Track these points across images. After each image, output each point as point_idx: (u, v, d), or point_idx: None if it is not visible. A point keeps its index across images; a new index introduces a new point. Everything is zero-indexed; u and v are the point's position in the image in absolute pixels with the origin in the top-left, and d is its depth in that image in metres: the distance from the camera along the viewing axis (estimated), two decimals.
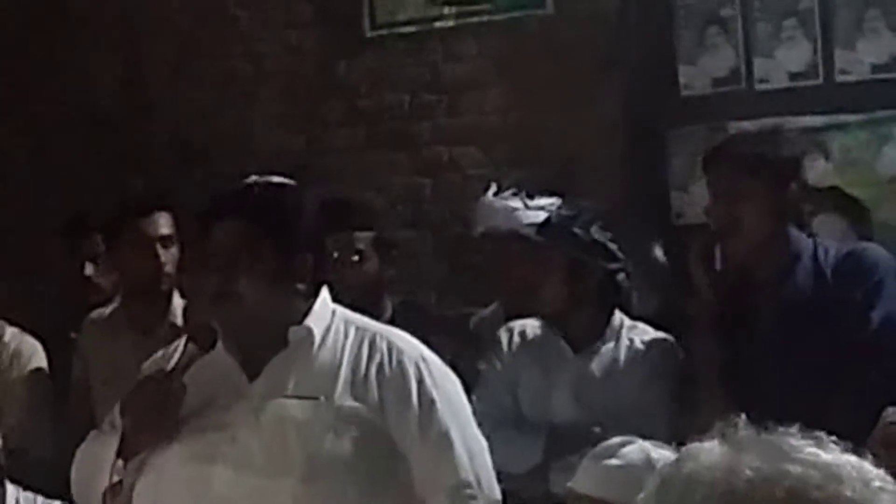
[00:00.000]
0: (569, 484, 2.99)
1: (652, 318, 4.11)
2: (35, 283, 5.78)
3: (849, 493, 1.33)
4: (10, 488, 3.49)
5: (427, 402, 3.09)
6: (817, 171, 4.81)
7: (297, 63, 6.22)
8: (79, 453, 3.25)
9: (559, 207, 4.13)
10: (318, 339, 3.13)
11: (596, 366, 4.00)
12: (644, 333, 4.04)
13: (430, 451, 3.08)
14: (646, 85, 5.44)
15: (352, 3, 6.05)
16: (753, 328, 3.70)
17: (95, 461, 3.12)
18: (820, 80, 5.23)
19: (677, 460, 1.41)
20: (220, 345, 3.15)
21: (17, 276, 5.87)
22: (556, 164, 5.42)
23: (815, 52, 5.23)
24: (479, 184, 4.79)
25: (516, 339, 4.10)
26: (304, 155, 5.99)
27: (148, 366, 3.29)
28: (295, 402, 3.09)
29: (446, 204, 5.86)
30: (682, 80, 5.44)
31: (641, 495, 1.44)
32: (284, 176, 3.29)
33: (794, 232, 3.71)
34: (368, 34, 6.05)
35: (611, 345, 4.03)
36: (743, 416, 1.41)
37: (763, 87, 5.32)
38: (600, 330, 4.04)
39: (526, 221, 4.18)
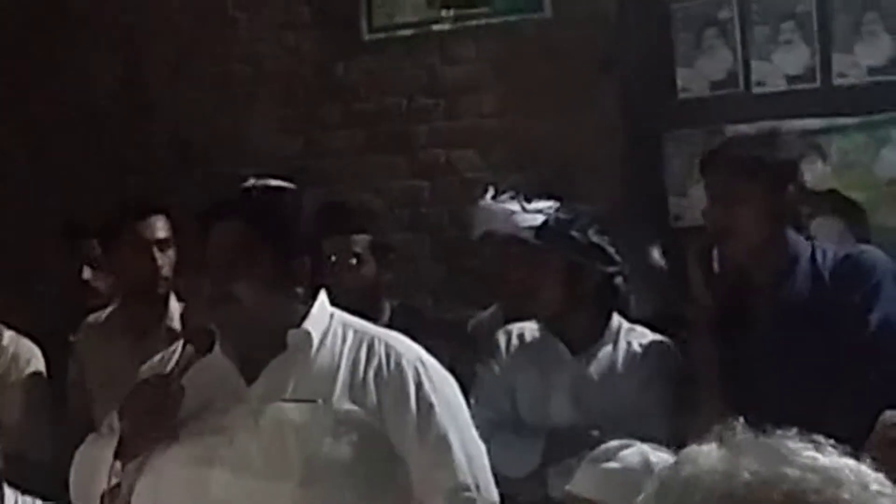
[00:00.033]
0: (567, 487, 2.99)
1: (650, 320, 4.11)
2: (33, 286, 5.78)
3: (847, 497, 1.33)
4: (9, 492, 3.48)
5: (425, 406, 3.09)
6: (815, 173, 4.81)
7: (296, 66, 6.23)
8: (77, 456, 3.25)
9: (557, 210, 4.13)
10: (316, 342, 3.13)
11: (594, 369, 4.00)
12: (642, 336, 4.04)
13: (428, 455, 3.08)
14: (643, 88, 5.44)
15: (350, 6, 6.05)
16: (751, 331, 3.70)
17: (94, 464, 3.12)
18: (817, 84, 5.24)
19: (676, 464, 1.41)
20: (217, 348, 3.15)
21: (15, 280, 5.87)
22: (554, 167, 5.43)
23: (812, 55, 5.23)
24: (477, 187, 4.79)
25: (514, 341, 4.10)
26: (302, 157, 6.00)
27: (146, 369, 3.29)
28: (293, 405, 3.09)
29: (444, 207, 5.87)
30: (679, 83, 5.45)
31: (640, 498, 1.44)
32: (282, 179, 3.29)
33: (791, 234, 3.71)
34: (366, 37, 6.05)
35: (609, 348, 4.03)
36: (741, 419, 1.42)
37: (761, 90, 5.33)
38: (598, 333, 4.04)
39: (524, 224, 4.18)
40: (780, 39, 5.28)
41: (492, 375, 4.04)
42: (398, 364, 3.11)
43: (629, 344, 4.02)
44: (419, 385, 3.10)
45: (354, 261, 4.30)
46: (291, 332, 3.13)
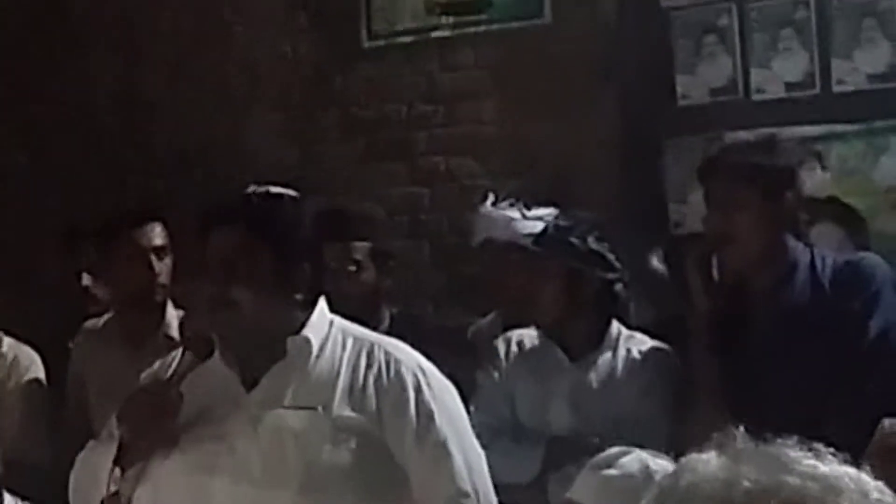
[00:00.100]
0: (567, 494, 3.00)
1: (649, 327, 4.11)
2: (33, 292, 5.79)
3: None
4: (8, 498, 3.48)
5: (425, 413, 3.08)
6: (814, 180, 4.81)
7: (295, 72, 6.23)
8: (77, 463, 3.24)
9: (556, 217, 4.13)
10: (315, 349, 3.13)
11: (593, 376, 4.00)
12: (641, 343, 4.04)
13: (427, 462, 3.07)
14: (643, 95, 5.45)
15: (349, 14, 6.06)
16: (750, 337, 3.70)
17: (93, 471, 3.11)
18: (817, 90, 5.24)
19: (675, 472, 1.41)
20: (217, 354, 3.15)
21: (15, 283, 5.88)
22: (553, 174, 5.43)
23: (811, 62, 5.24)
24: (477, 194, 4.79)
25: (514, 348, 4.10)
26: (301, 164, 6.00)
27: (146, 376, 3.29)
28: (292, 412, 3.08)
29: (443, 214, 5.87)
30: (679, 89, 5.45)
31: None
32: (282, 185, 3.29)
33: (791, 241, 3.71)
34: (366, 44, 6.06)
35: (608, 354, 4.02)
36: (741, 427, 1.42)
37: (760, 97, 5.33)
38: (598, 340, 4.04)
39: (523, 231, 4.19)
40: (779, 46, 5.29)
41: (491, 382, 4.04)
42: (398, 371, 3.11)
43: (629, 351, 4.02)
44: (419, 392, 3.09)
45: (354, 268, 4.29)
46: (291, 339, 3.12)
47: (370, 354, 3.13)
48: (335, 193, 5.41)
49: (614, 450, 3.01)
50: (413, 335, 3.44)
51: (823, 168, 5.09)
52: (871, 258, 3.78)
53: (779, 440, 1.40)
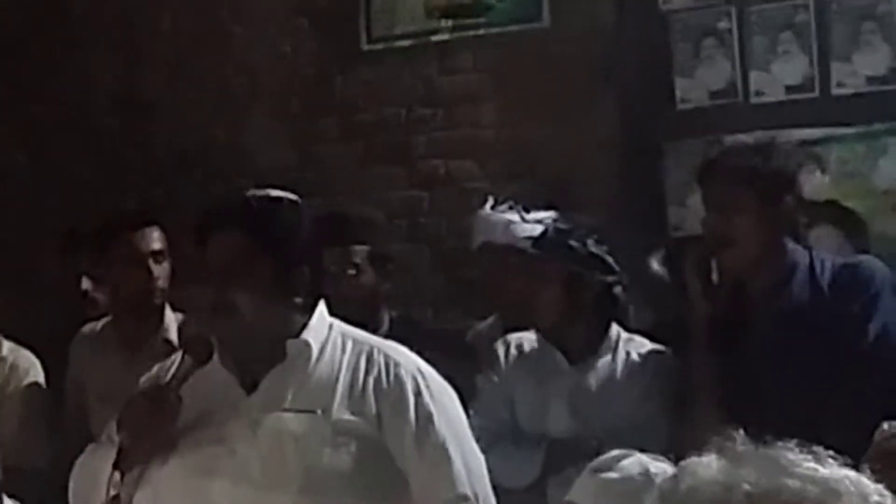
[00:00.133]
0: (566, 497, 2.99)
1: (649, 330, 4.11)
2: (33, 296, 5.78)
3: None
4: (8, 502, 3.48)
5: (424, 416, 3.08)
6: (814, 183, 4.81)
7: (294, 76, 6.23)
8: (76, 467, 3.24)
9: (555, 220, 4.13)
10: (315, 352, 3.13)
11: (593, 379, 4.00)
12: (641, 346, 4.04)
13: (427, 465, 3.07)
14: (642, 98, 5.45)
15: (348, 17, 6.06)
16: (750, 340, 3.70)
17: (93, 475, 3.11)
18: (816, 93, 5.24)
19: (676, 475, 1.41)
20: (216, 358, 3.15)
21: (15, 284, 5.88)
22: (553, 177, 5.43)
23: (811, 64, 5.24)
24: (476, 197, 4.78)
25: (513, 352, 4.10)
26: (300, 168, 6.00)
27: (145, 380, 3.29)
28: (292, 415, 3.08)
29: (443, 217, 5.87)
30: (678, 93, 5.45)
31: None
32: (281, 189, 3.29)
33: (790, 244, 3.71)
34: (365, 48, 6.06)
35: (607, 358, 4.02)
36: (741, 430, 1.42)
37: (759, 99, 5.33)
38: (597, 343, 4.03)
39: (523, 235, 4.18)
40: (778, 49, 5.29)
41: (491, 386, 4.04)
42: (397, 374, 3.11)
43: (628, 354, 4.02)
44: (418, 395, 3.10)
45: (353, 271, 4.29)
46: (290, 342, 3.12)
47: (370, 358, 3.14)
48: (335, 196, 5.41)
49: (614, 452, 2.99)
50: (412, 339, 3.44)
51: (823, 171, 5.09)
52: (870, 261, 3.78)
53: (779, 443, 1.40)
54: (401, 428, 3.07)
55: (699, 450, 1.43)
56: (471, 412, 3.51)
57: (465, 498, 3.08)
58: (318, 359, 3.13)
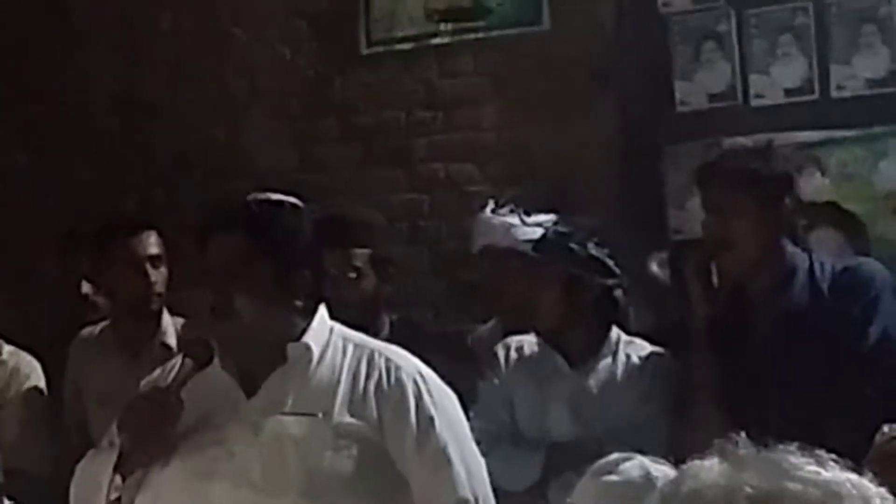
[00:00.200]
0: (567, 500, 2.99)
1: (649, 333, 4.11)
2: (33, 294, 5.79)
3: None
4: None
5: (425, 419, 3.08)
6: (814, 186, 4.82)
7: (294, 78, 6.23)
8: (77, 470, 3.24)
9: (556, 223, 4.13)
10: (316, 355, 3.13)
11: (593, 381, 4.00)
12: (641, 349, 4.04)
13: (428, 468, 3.07)
14: (642, 101, 5.45)
15: (348, 20, 6.06)
16: (750, 343, 3.70)
17: (94, 478, 3.11)
18: (816, 96, 5.24)
19: (677, 478, 1.41)
20: (216, 361, 3.15)
21: (15, 284, 5.88)
22: (552, 180, 5.43)
23: (810, 67, 5.24)
24: (476, 200, 4.79)
25: (513, 355, 4.10)
26: (300, 171, 6.00)
27: (145, 383, 3.29)
28: (293, 418, 3.08)
29: (443, 220, 5.87)
30: (678, 95, 5.45)
31: None
32: (281, 192, 3.29)
33: (789, 247, 3.71)
34: (364, 51, 6.06)
35: (608, 360, 4.02)
36: (743, 433, 1.42)
37: (759, 102, 5.33)
38: (597, 345, 4.03)
39: (523, 238, 4.18)
40: (778, 52, 5.29)
41: (491, 389, 4.04)
42: (398, 378, 3.11)
43: (628, 356, 4.02)
44: (419, 399, 3.10)
45: (354, 275, 4.29)
46: (291, 346, 3.12)
47: (370, 361, 3.14)
48: (335, 200, 5.41)
49: (615, 455, 2.99)
50: (413, 342, 3.44)
51: (822, 173, 5.09)
52: (869, 263, 3.78)
53: (780, 446, 1.40)
54: (402, 431, 3.07)
55: (700, 452, 1.43)
56: (471, 415, 3.51)
57: (466, 501, 3.08)
58: (318, 362, 3.13)
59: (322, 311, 3.20)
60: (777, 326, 3.65)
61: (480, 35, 5.82)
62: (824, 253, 3.88)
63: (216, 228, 3.15)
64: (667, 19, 5.47)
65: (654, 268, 4.55)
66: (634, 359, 4.01)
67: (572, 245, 3.98)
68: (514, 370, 4.06)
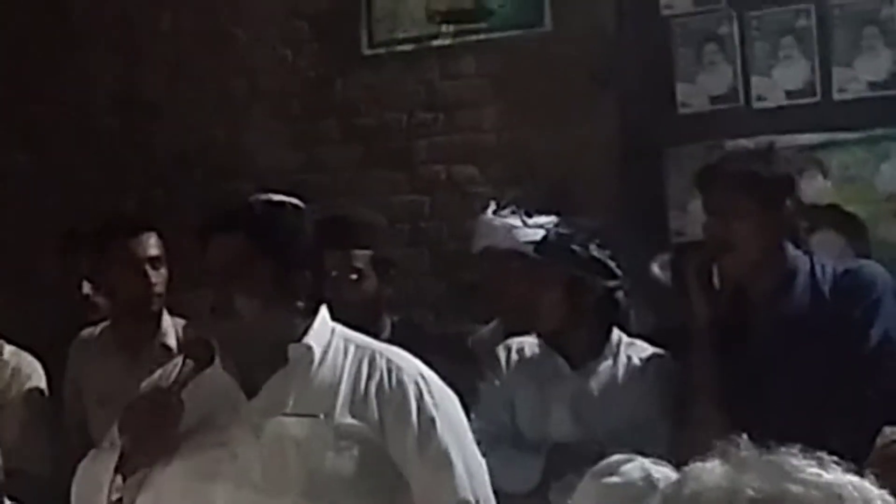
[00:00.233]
0: (568, 502, 2.99)
1: (650, 335, 4.11)
2: (33, 294, 5.79)
3: None
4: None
5: (426, 421, 3.08)
6: (815, 188, 4.82)
7: (295, 79, 6.23)
8: (79, 471, 3.24)
9: (557, 225, 4.13)
10: (317, 356, 3.13)
11: (594, 383, 4.00)
12: (642, 350, 4.04)
13: (429, 470, 3.07)
14: (644, 102, 5.45)
15: (350, 21, 6.06)
16: (751, 345, 3.70)
17: (95, 479, 3.11)
18: (818, 98, 5.24)
19: (679, 480, 1.41)
20: (217, 362, 3.15)
21: (15, 284, 5.88)
22: (554, 182, 5.43)
23: (812, 70, 5.24)
24: (477, 202, 4.79)
25: (514, 356, 4.10)
26: (302, 172, 6.00)
27: (147, 384, 3.29)
28: (294, 419, 3.08)
29: (444, 222, 5.87)
30: (679, 98, 5.45)
31: None
32: (283, 194, 3.29)
33: (790, 249, 3.71)
34: (366, 52, 6.06)
35: (609, 362, 4.02)
36: (745, 435, 1.42)
37: (761, 104, 5.33)
38: (598, 347, 4.03)
39: (525, 239, 4.18)
40: (779, 54, 5.29)
41: (492, 390, 4.04)
42: (399, 379, 3.11)
43: (629, 358, 4.02)
44: (420, 400, 3.09)
45: (355, 276, 4.29)
46: (293, 347, 3.12)
47: (372, 362, 3.13)
48: (336, 201, 5.41)
49: (616, 457, 2.99)
50: (414, 343, 3.44)
51: (824, 176, 5.09)
52: (871, 266, 3.78)
53: (782, 448, 1.40)
54: (403, 433, 3.07)
55: (701, 454, 1.43)
56: (472, 416, 3.51)
57: (467, 502, 3.08)
58: (320, 363, 3.13)
59: (323, 312, 3.20)
60: (778, 328, 3.65)
61: (482, 36, 5.83)
62: (825, 255, 3.88)
63: (217, 229, 3.15)
64: (668, 21, 5.47)
65: (656, 269, 4.55)
66: (635, 360, 4.01)
67: (574, 246, 3.98)
68: (514, 372, 4.06)
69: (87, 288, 5.00)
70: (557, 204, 4.49)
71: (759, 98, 5.33)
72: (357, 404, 3.08)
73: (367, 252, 4.34)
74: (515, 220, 4.28)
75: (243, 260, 3.08)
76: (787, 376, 3.58)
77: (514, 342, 4.13)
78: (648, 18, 5.49)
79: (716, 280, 3.78)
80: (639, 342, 4.06)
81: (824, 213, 4.46)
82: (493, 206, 4.41)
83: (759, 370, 3.63)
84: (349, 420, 3.07)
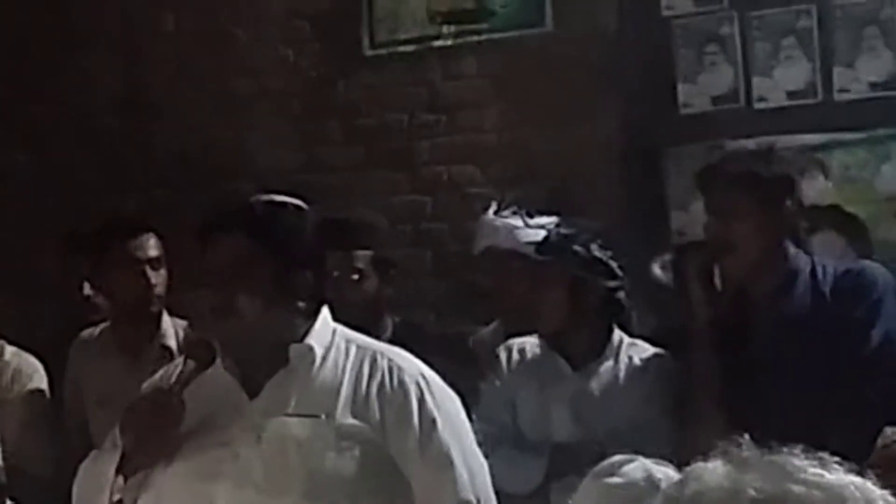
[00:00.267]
0: (569, 503, 2.99)
1: (651, 335, 4.11)
2: (33, 294, 5.79)
3: None
4: None
5: (428, 421, 3.08)
6: (816, 188, 4.82)
7: (296, 81, 6.23)
8: (80, 471, 3.24)
9: (558, 225, 4.13)
10: (318, 357, 3.13)
11: (595, 383, 4.00)
12: (643, 351, 4.04)
13: (430, 471, 3.07)
14: (645, 103, 5.45)
15: (351, 22, 6.06)
16: (752, 345, 3.70)
17: (96, 479, 3.11)
18: (819, 99, 5.24)
19: (681, 480, 1.41)
20: (219, 362, 3.15)
21: (15, 284, 5.88)
22: (555, 182, 5.43)
23: (813, 70, 5.24)
24: (479, 202, 4.79)
25: (515, 356, 4.10)
26: (303, 173, 6.00)
27: (148, 385, 3.29)
28: (296, 420, 3.08)
29: (445, 222, 5.87)
30: (681, 98, 5.45)
31: None
32: (284, 194, 3.29)
33: (791, 249, 3.71)
34: (368, 53, 6.06)
35: (610, 362, 4.02)
36: (746, 436, 1.41)
37: (762, 105, 5.33)
38: (600, 348, 4.03)
39: (526, 240, 4.19)
40: (781, 55, 5.29)
41: (493, 391, 4.04)
42: (401, 380, 3.11)
43: (630, 358, 4.02)
44: (421, 401, 3.09)
45: (356, 276, 4.29)
46: (294, 347, 3.12)
47: (373, 363, 3.13)
48: (337, 202, 5.41)
49: (617, 457, 2.99)
50: (415, 343, 3.44)
51: (825, 176, 5.09)
52: (872, 266, 3.79)
53: (784, 449, 1.40)
54: (404, 433, 3.07)
55: (702, 454, 1.43)
56: (473, 417, 3.51)
57: (469, 503, 3.08)
58: (321, 363, 3.13)
59: (325, 312, 3.20)
60: (779, 329, 3.65)
61: (483, 37, 5.83)
62: (826, 256, 3.88)
63: (217, 229, 3.15)
64: (669, 22, 5.47)
65: (657, 270, 4.55)
66: (636, 361, 4.02)
67: (575, 247, 3.98)
68: (516, 372, 4.06)
69: (87, 289, 5.00)
70: (559, 204, 4.50)
71: (760, 98, 5.33)
72: (358, 405, 3.08)
73: (369, 252, 4.35)
74: (517, 221, 4.29)
75: (244, 260, 3.08)
76: (788, 376, 3.58)
77: (515, 343, 4.13)
78: (649, 19, 5.49)
79: (717, 280, 3.78)
80: (640, 342, 4.07)
81: (825, 214, 4.47)
82: (494, 207, 4.41)
83: (760, 370, 3.63)
84: (350, 420, 3.07)
